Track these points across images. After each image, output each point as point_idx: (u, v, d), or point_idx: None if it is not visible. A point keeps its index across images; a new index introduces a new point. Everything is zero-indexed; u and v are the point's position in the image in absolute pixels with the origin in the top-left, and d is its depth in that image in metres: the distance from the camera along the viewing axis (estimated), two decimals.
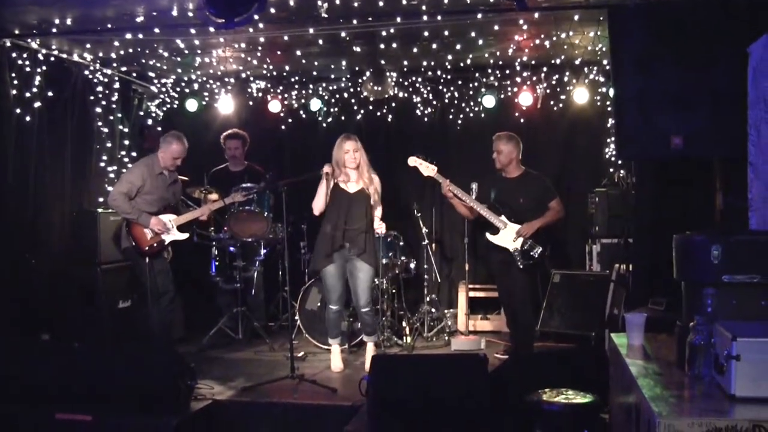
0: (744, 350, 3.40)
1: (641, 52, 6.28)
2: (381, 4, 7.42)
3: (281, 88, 11.06)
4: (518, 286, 8.24)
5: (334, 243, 7.95)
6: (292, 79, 10.95)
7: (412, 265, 9.60)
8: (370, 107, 11.02)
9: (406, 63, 10.14)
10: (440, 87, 10.80)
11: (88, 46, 8.92)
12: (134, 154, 10.34)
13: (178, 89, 11.15)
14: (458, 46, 9.07)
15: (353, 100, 11.06)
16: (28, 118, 8.46)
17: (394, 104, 10.98)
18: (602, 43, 8.57)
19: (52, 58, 8.90)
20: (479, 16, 7.61)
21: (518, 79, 10.32)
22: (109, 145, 9.90)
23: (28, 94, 8.47)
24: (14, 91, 8.29)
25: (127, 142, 10.34)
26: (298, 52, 9.33)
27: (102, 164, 9.79)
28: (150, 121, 11.07)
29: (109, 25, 8.01)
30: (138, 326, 8.64)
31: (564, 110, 10.46)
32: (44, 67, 8.72)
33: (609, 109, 9.93)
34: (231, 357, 8.95)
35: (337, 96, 11.14)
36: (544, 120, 10.50)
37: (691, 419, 3.19)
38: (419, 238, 9.57)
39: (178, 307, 9.35)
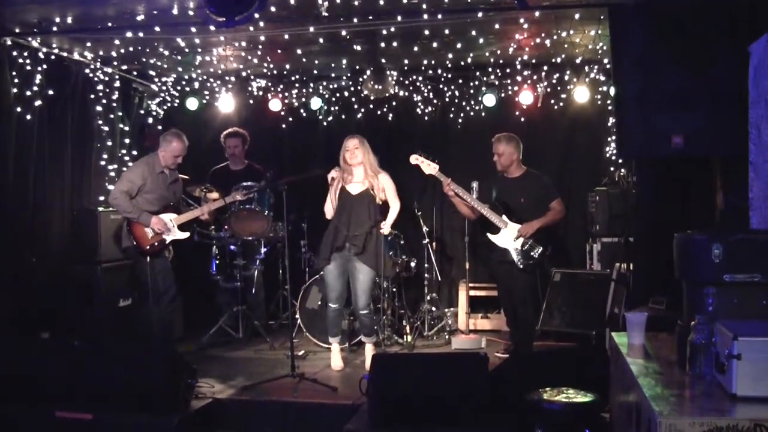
0: (745, 349, 3.39)
1: (642, 50, 6.27)
2: (381, 2, 7.42)
3: (282, 86, 11.06)
4: (518, 285, 8.24)
5: (334, 243, 7.99)
6: (293, 78, 10.95)
7: (413, 264, 9.61)
8: (371, 106, 11.02)
9: (406, 62, 10.13)
10: (441, 86, 10.80)
11: (88, 44, 8.91)
12: (135, 152, 10.33)
13: (178, 88, 11.15)
14: (459, 45, 9.07)
15: (354, 99, 11.06)
16: (28, 117, 8.46)
17: (394, 103, 10.98)
18: (603, 42, 8.56)
19: (53, 57, 8.90)
20: (480, 14, 7.61)
21: (519, 78, 10.31)
22: (109, 143, 9.90)
23: (28, 93, 8.47)
24: (15, 90, 8.29)
25: (127, 141, 10.34)
26: (299, 51, 9.33)
27: (102, 163, 9.79)
28: (150, 120, 11.06)
29: (110, 24, 8.01)
30: (138, 325, 8.62)
31: (564, 109, 10.46)
32: (45, 66, 8.71)
33: (609, 107, 9.93)
34: (231, 355, 8.96)
35: (338, 95, 11.14)
36: (545, 119, 10.49)
37: (692, 418, 3.18)
38: (420, 236, 9.57)
39: (179, 306, 9.34)
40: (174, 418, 6.26)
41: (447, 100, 10.88)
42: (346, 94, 11.08)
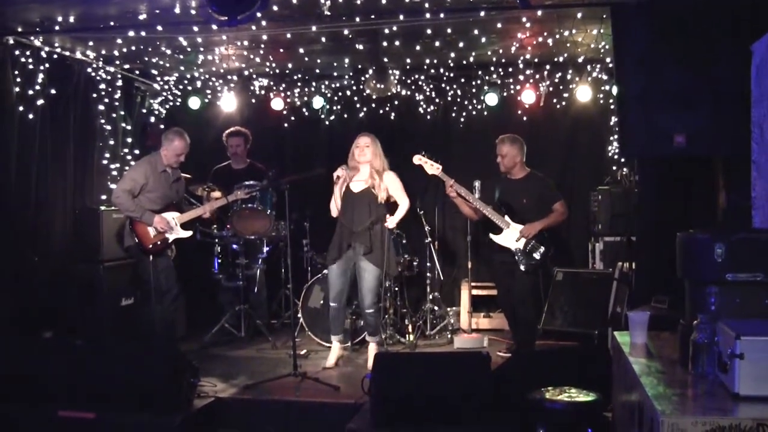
0: (748, 349, 3.39)
1: (644, 50, 6.26)
2: (384, 1, 7.41)
3: (284, 85, 11.06)
4: (519, 285, 8.24)
5: (342, 243, 8.04)
6: (295, 77, 10.94)
7: (415, 263, 9.61)
8: (373, 105, 11.02)
9: (408, 61, 10.13)
10: (443, 85, 10.80)
11: (90, 43, 8.91)
12: (137, 151, 10.34)
13: (180, 87, 11.14)
14: (461, 44, 9.07)
15: (356, 98, 11.06)
16: (30, 116, 8.46)
17: (396, 102, 10.97)
18: (605, 41, 8.56)
19: (55, 56, 8.90)
20: (482, 13, 7.60)
21: (521, 77, 10.31)
22: (111, 142, 9.89)
23: (30, 92, 8.47)
24: (17, 89, 8.29)
25: (129, 140, 10.34)
26: (301, 50, 9.33)
27: (104, 162, 9.79)
28: (153, 119, 11.07)
29: (112, 23, 8.02)
30: (140, 324, 8.63)
31: (567, 108, 10.45)
32: (47, 65, 8.71)
33: (612, 107, 9.92)
34: (233, 354, 8.96)
35: (340, 94, 11.14)
36: (547, 118, 10.49)
37: (694, 418, 3.19)
38: (422, 236, 9.57)
39: (181, 305, 9.34)
40: (176, 417, 6.26)
41: (449, 99, 10.89)
42: (349, 93, 11.07)
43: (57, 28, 8.01)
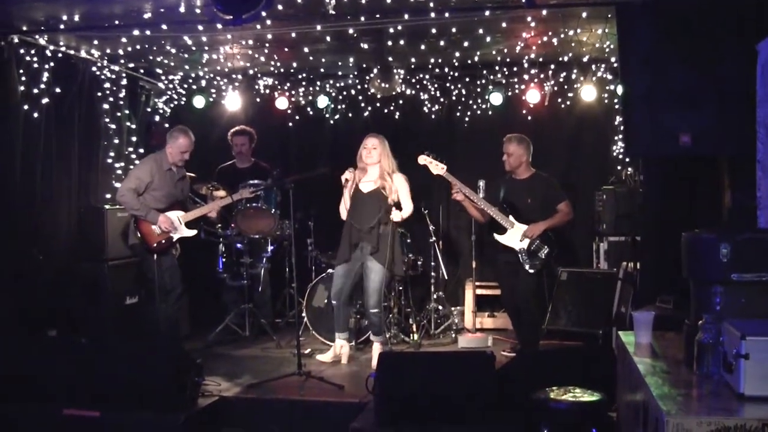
0: (753, 349, 3.39)
1: (649, 49, 6.26)
2: (388, 1, 7.41)
3: (288, 85, 11.06)
4: (524, 285, 8.23)
5: (350, 243, 8.07)
6: (300, 76, 10.94)
7: (419, 263, 9.61)
8: (378, 104, 11.02)
9: (413, 60, 10.13)
10: (448, 84, 10.79)
11: (95, 42, 8.91)
12: (141, 150, 10.35)
13: (185, 86, 11.15)
14: (466, 43, 9.06)
15: (360, 97, 11.06)
16: (35, 115, 8.46)
17: (401, 101, 10.97)
18: (610, 41, 8.55)
19: (60, 55, 8.90)
20: (487, 13, 7.61)
21: (526, 77, 10.30)
22: (116, 141, 9.90)
23: (35, 91, 8.48)
24: (22, 88, 8.30)
25: (134, 139, 10.34)
26: (306, 49, 9.33)
27: (109, 160, 9.79)
28: (157, 118, 11.08)
29: (117, 22, 8.02)
30: (145, 322, 8.64)
31: (571, 108, 10.45)
32: (52, 64, 8.72)
33: (617, 106, 9.92)
34: (238, 354, 8.95)
35: (345, 93, 11.13)
36: (552, 117, 10.48)
37: (699, 418, 3.18)
38: (426, 235, 9.55)
39: (185, 304, 9.35)
40: (180, 416, 6.27)
41: (454, 98, 10.88)
42: (353, 92, 11.07)
43: (62, 26, 8.01)
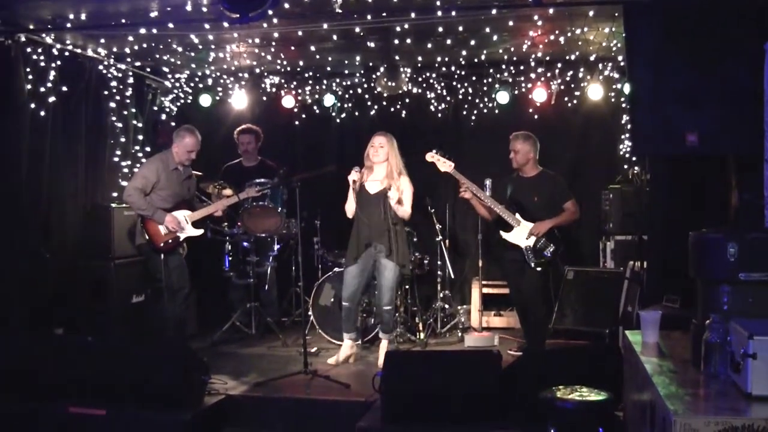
0: (760, 349, 3.38)
1: (656, 48, 6.24)
2: None
3: (295, 83, 11.06)
4: (530, 283, 8.22)
5: (360, 242, 8.04)
6: (306, 75, 10.94)
7: (426, 262, 9.60)
8: (384, 103, 11.01)
9: (420, 59, 10.13)
10: (454, 83, 10.78)
11: (102, 41, 8.92)
12: (148, 149, 10.35)
13: (191, 84, 11.15)
14: (472, 42, 9.06)
15: (367, 96, 11.05)
16: (42, 113, 8.47)
17: (407, 100, 10.96)
18: (617, 40, 8.54)
19: (67, 53, 8.91)
20: (494, 11, 7.60)
21: (532, 76, 10.29)
22: (122, 140, 9.91)
23: (42, 89, 8.48)
24: (29, 86, 8.30)
25: (140, 137, 10.35)
26: (312, 48, 9.33)
27: (116, 159, 9.80)
28: (164, 116, 11.08)
29: (123, 20, 8.03)
30: (151, 321, 8.65)
31: (578, 107, 10.43)
32: (58, 62, 8.73)
33: (623, 105, 9.90)
34: (244, 352, 8.96)
35: (351, 91, 11.13)
36: (558, 116, 10.47)
37: (706, 418, 3.18)
38: (433, 234, 9.53)
39: (191, 303, 9.35)
40: (187, 414, 6.28)
41: (460, 97, 10.87)
42: (360, 91, 11.07)
43: (69, 25, 8.02)
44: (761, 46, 5.56)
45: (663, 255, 7.21)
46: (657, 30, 6.27)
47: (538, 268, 8.11)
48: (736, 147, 6.11)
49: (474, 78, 10.69)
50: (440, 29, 8.47)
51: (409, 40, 8.92)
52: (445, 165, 8.16)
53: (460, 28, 8.45)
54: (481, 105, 10.77)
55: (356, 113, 11.18)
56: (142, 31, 8.18)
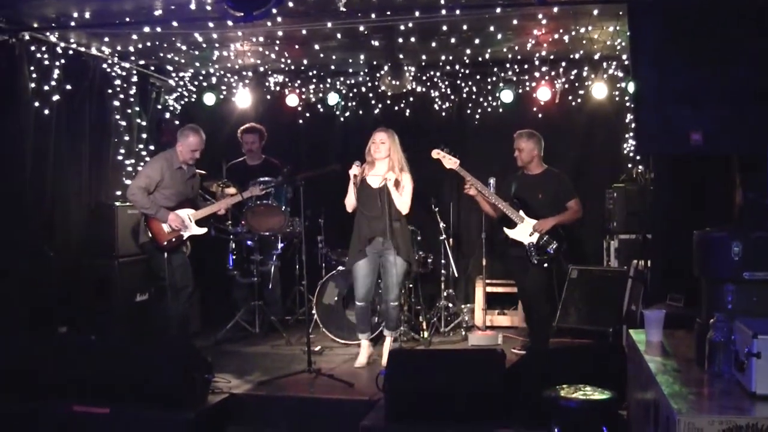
0: (765, 348, 3.38)
1: (661, 46, 6.23)
2: None
3: (299, 82, 11.06)
4: (533, 281, 8.23)
5: (362, 239, 8.00)
6: (310, 73, 10.94)
7: (430, 260, 9.60)
8: (388, 101, 11.02)
9: (424, 57, 10.12)
10: (458, 81, 10.79)
11: (106, 39, 8.93)
12: (152, 147, 10.36)
13: (195, 83, 11.16)
14: (476, 41, 9.05)
15: (371, 95, 11.06)
16: (46, 112, 8.47)
17: (411, 99, 10.97)
18: (621, 38, 8.53)
19: (71, 52, 8.91)
20: (498, 10, 7.60)
21: (536, 74, 10.29)
22: (126, 138, 9.92)
23: (46, 88, 8.49)
24: (33, 85, 8.30)
25: (144, 136, 10.35)
26: (316, 46, 9.32)
27: (120, 158, 9.81)
28: (168, 115, 11.09)
29: (127, 19, 8.02)
30: (155, 320, 8.66)
31: (582, 105, 10.43)
32: (62, 61, 8.73)
33: (628, 104, 9.91)
34: (248, 351, 8.96)
35: (355, 90, 11.13)
36: (563, 115, 10.46)
37: (710, 417, 3.17)
38: (437, 232, 9.53)
39: (195, 301, 9.36)
40: (190, 413, 6.28)
41: (464, 95, 10.88)
42: (364, 89, 11.07)
43: (72, 24, 8.02)
44: (766, 44, 5.55)
45: (667, 254, 7.21)
46: (661, 29, 6.26)
47: (544, 264, 8.11)
48: (740, 146, 6.10)
49: (478, 77, 10.69)
50: (444, 28, 8.46)
51: (413, 39, 8.92)
52: (450, 162, 8.16)
53: (465, 27, 8.43)
54: (485, 104, 10.78)
55: (360, 112, 11.19)
56: (146, 29, 8.19)
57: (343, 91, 11.08)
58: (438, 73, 10.74)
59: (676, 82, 6.14)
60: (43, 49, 8.46)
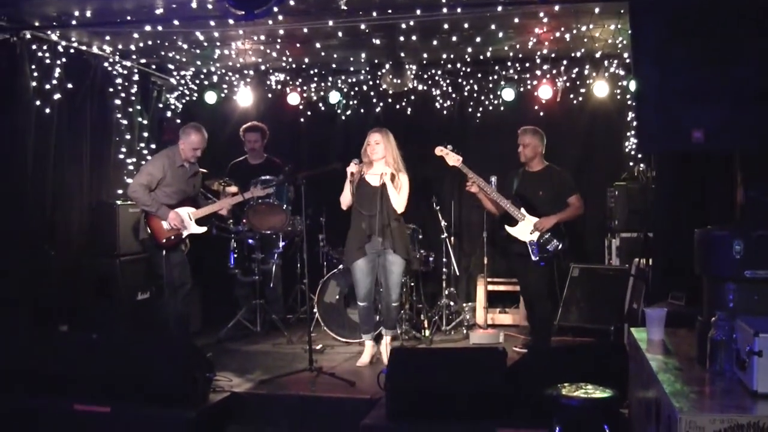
0: (766, 346, 3.37)
1: (662, 44, 6.21)
2: None
3: (300, 80, 11.06)
4: (535, 279, 8.25)
5: (360, 237, 7.98)
6: (311, 72, 10.94)
7: (431, 259, 9.60)
8: (389, 100, 11.00)
9: (425, 56, 10.11)
10: (459, 80, 10.77)
11: (107, 38, 8.93)
12: (153, 146, 10.36)
13: (197, 81, 11.16)
14: (478, 39, 9.04)
15: (372, 93, 11.05)
16: (47, 110, 8.47)
17: (413, 97, 10.96)
18: (622, 36, 8.53)
19: (72, 51, 8.91)
20: (499, 8, 7.59)
21: (538, 72, 10.27)
22: (128, 137, 9.92)
23: (47, 86, 8.48)
24: (34, 83, 8.31)
25: (146, 135, 10.36)
26: (318, 45, 9.32)
27: (121, 156, 9.81)
28: (169, 114, 11.09)
29: (129, 18, 8.03)
30: (156, 318, 8.66)
31: (584, 104, 10.42)
32: (64, 60, 8.73)
33: (629, 102, 9.90)
34: (249, 349, 8.97)
35: (356, 89, 11.12)
36: (564, 113, 10.45)
37: (712, 415, 3.17)
38: (438, 231, 9.53)
39: (195, 300, 9.36)
40: (192, 412, 6.28)
41: (466, 94, 10.86)
42: (365, 88, 11.06)
43: (74, 22, 8.03)
44: (766, 45, 5.55)
45: (668, 252, 7.20)
46: (663, 27, 6.25)
47: (542, 263, 8.11)
48: (741, 144, 6.09)
49: (479, 75, 10.68)
50: (446, 26, 8.45)
51: (414, 37, 8.91)
52: (453, 159, 8.18)
53: (466, 25, 8.43)
54: (487, 102, 10.76)
55: (361, 110, 11.18)
56: (148, 28, 8.18)
57: (345, 90, 11.07)
58: (439, 72, 10.72)
59: (677, 81, 6.13)
60: (45, 47, 8.46)
